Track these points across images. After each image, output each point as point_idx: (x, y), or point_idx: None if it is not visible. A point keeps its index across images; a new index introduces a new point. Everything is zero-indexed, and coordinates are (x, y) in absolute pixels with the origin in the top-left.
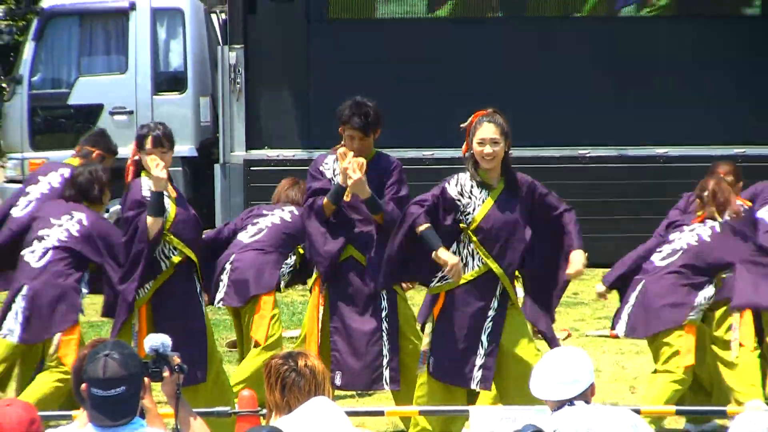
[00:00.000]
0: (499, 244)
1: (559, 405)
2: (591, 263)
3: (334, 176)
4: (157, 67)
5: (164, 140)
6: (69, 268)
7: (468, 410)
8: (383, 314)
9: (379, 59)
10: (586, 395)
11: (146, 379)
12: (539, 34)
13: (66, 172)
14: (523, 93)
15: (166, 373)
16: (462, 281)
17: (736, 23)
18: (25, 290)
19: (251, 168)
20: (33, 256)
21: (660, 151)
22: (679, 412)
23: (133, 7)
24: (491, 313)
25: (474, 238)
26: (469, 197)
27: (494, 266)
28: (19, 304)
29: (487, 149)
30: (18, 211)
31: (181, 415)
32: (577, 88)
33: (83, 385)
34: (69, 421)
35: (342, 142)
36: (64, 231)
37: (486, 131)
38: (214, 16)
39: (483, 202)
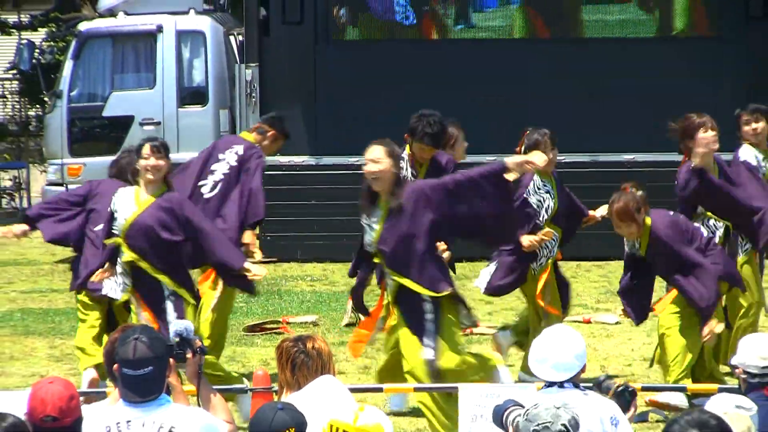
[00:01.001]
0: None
1: (550, 384)
2: (563, 257)
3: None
4: (181, 83)
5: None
6: None
7: (457, 387)
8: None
9: (377, 75)
10: (578, 377)
11: (171, 360)
12: (524, 53)
13: (240, 149)
14: (507, 106)
15: (189, 355)
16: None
17: (691, 43)
18: None
19: (265, 172)
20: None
21: (627, 157)
22: (644, 389)
23: (160, 29)
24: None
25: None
26: None
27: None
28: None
29: (368, 167)
30: (207, 191)
31: (202, 392)
32: (556, 102)
33: (115, 366)
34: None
35: (405, 145)
36: None
37: (369, 152)
38: (232, 38)
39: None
